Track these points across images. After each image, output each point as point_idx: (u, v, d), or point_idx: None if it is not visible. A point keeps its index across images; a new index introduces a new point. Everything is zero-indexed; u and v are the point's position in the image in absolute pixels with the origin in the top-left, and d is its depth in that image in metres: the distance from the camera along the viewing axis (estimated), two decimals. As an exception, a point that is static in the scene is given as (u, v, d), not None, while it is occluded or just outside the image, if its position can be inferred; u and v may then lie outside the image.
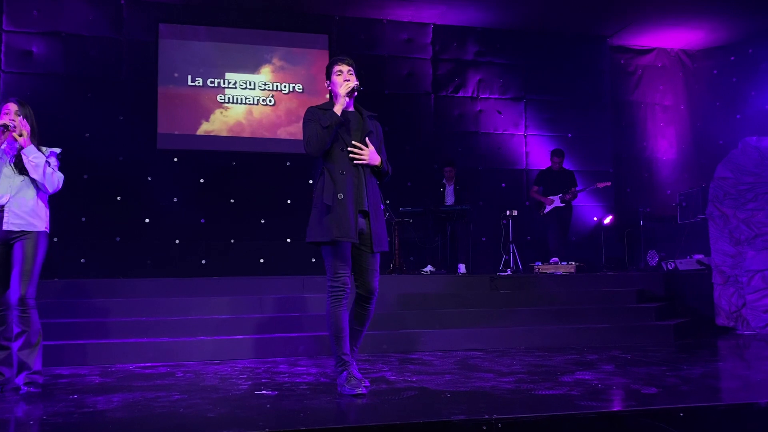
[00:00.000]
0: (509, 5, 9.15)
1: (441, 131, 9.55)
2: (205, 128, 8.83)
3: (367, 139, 3.54)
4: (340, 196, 3.40)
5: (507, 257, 8.39)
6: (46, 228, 3.73)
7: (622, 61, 10.61)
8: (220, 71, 8.95)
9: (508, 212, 8.36)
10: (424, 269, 8.29)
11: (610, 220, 9.48)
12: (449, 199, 8.41)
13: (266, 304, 5.60)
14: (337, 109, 3.45)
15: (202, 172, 8.75)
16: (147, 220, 8.45)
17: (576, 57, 10.08)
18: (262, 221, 8.90)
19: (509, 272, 7.98)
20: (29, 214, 3.65)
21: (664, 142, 10.74)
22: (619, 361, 4.47)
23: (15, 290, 3.58)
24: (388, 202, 9.10)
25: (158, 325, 5.21)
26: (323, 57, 9.29)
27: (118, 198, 8.38)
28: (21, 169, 3.65)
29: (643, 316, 6.04)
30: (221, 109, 8.90)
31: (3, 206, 3.61)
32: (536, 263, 7.72)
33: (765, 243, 6.48)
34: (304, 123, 3.54)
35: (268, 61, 9.13)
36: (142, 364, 4.71)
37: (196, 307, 5.51)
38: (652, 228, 8.81)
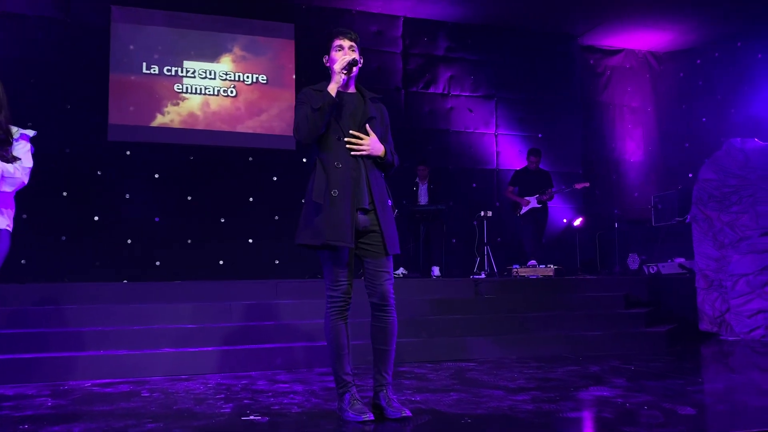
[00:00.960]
0: (480, 0, 8.87)
1: (411, 128, 9.18)
2: (160, 120, 8.20)
3: (368, 126, 3.06)
4: (334, 192, 2.91)
5: (479, 259, 8.10)
6: (8, 227, 3.13)
7: (592, 62, 10.48)
8: (178, 59, 8.34)
9: (482, 213, 8.06)
10: (396, 272, 7.89)
11: (581, 222, 9.31)
12: (423, 199, 8.04)
13: (236, 311, 5.09)
14: (332, 88, 2.96)
15: (157, 167, 8.12)
16: (96, 218, 7.77)
17: (547, 55, 9.88)
18: (222, 220, 8.33)
19: (483, 275, 7.69)
20: None
21: (632, 144, 10.67)
22: (627, 374, 4.18)
23: None
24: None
25: (115, 336, 4.63)
26: (289, 47, 8.81)
27: (65, 193, 7.68)
28: None
29: (633, 323, 5.81)
30: (179, 100, 8.29)
31: None
32: (514, 266, 7.44)
33: (749, 246, 6.35)
34: (296, 105, 3.07)
35: (228, 50, 8.57)
36: (99, 381, 4.14)
37: (157, 315, 4.95)
38: (626, 230, 8.66)
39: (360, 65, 3.08)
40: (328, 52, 3.13)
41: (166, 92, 8.24)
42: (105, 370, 4.28)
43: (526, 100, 9.75)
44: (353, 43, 3.09)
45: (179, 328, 4.79)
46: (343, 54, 3.04)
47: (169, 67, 8.28)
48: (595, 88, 10.47)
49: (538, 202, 7.76)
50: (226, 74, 8.51)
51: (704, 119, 10.29)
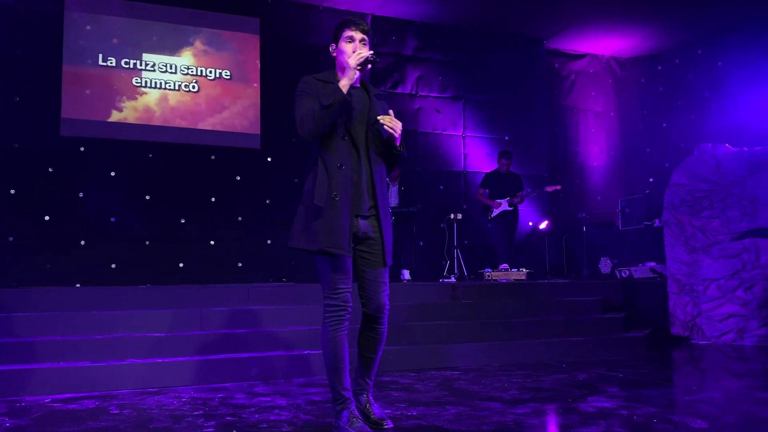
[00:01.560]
0: (449, 0, 8.76)
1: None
2: (117, 115, 7.77)
3: (391, 111, 2.87)
4: (336, 196, 2.72)
5: (449, 262, 7.97)
6: None
7: (557, 65, 10.50)
8: (137, 51, 7.92)
9: (452, 216, 7.93)
10: (365, 275, 7.68)
11: (547, 225, 9.29)
12: (393, 201, 7.86)
13: (207, 318, 4.79)
14: (344, 85, 2.75)
15: (113, 165, 7.68)
16: (47, 218, 7.29)
17: (514, 58, 9.84)
18: (182, 221, 7.95)
19: (453, 279, 7.56)
20: None
21: (595, 148, 10.74)
22: (617, 382, 4.08)
23: None
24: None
25: (74, 346, 4.28)
26: (254, 42, 8.49)
27: (12, 192, 7.18)
28: None
29: (611, 328, 5.76)
30: (137, 94, 7.88)
31: None
32: (486, 269, 7.32)
33: (721, 251, 6.40)
34: (296, 95, 2.85)
35: (190, 44, 8.20)
36: (60, 396, 3.80)
37: (120, 323, 4.61)
38: (593, 234, 8.67)
39: (377, 61, 2.85)
40: (336, 41, 2.93)
41: (123, 86, 7.81)
42: (65, 383, 3.93)
43: (493, 102, 9.69)
44: (365, 36, 2.89)
45: (145, 336, 4.47)
46: (354, 47, 2.86)
47: (127, 60, 7.85)
48: (560, 92, 10.50)
49: (509, 205, 7.68)
50: (188, 68, 8.14)
51: (665, 125, 10.44)
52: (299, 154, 8.52)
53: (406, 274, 7.60)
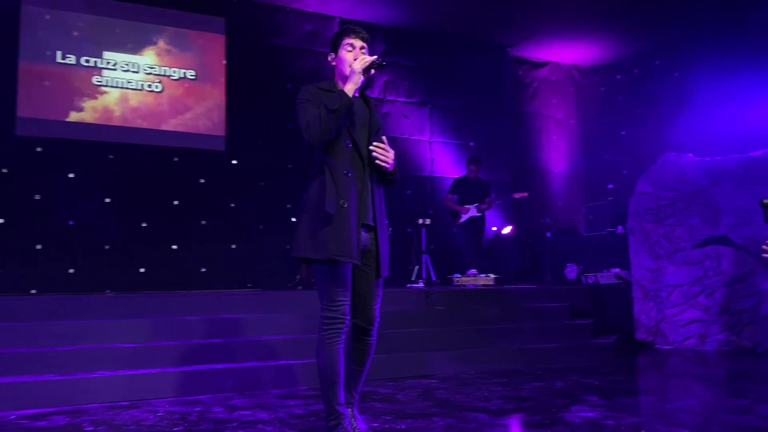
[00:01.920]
0: (417, 5, 8.76)
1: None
2: (77, 114, 7.50)
3: (384, 138, 2.86)
4: (344, 203, 2.67)
5: (415, 267, 7.95)
6: None
7: (520, 72, 10.64)
8: (97, 49, 7.66)
9: (420, 221, 7.93)
10: (334, 281, 7.60)
11: (510, 230, 9.39)
12: (361, 206, 7.79)
13: (179, 327, 4.64)
14: (349, 89, 2.74)
15: (72, 166, 7.40)
16: (1, 221, 6.98)
17: (479, 64, 9.92)
18: (144, 225, 7.72)
19: (421, 284, 7.56)
20: None
21: (556, 155, 10.91)
22: (595, 390, 4.13)
23: None
24: (289, 206, 8.34)
25: (38, 358, 4.08)
26: (219, 42, 8.31)
27: (-37, 193, 6.85)
28: None
29: (581, 334, 5.84)
30: (98, 93, 7.61)
31: None
32: (455, 275, 7.34)
33: (684, 258, 6.57)
34: (298, 103, 2.79)
35: (153, 42, 7.97)
36: (27, 412, 3.61)
37: (88, 334, 4.42)
38: (556, 240, 8.80)
39: (384, 65, 2.84)
40: (335, 50, 2.90)
41: (83, 84, 7.54)
42: (33, 398, 3.75)
43: (459, 107, 9.74)
44: (365, 44, 2.89)
45: (114, 348, 4.29)
46: (354, 55, 2.85)
47: (88, 58, 7.58)
48: (524, 99, 10.63)
49: (478, 211, 7.72)
50: (151, 68, 7.92)
51: (623, 133, 10.68)
52: (265, 157, 8.40)
53: (375, 280, 7.56)
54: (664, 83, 10.12)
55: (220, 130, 8.23)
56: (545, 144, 10.79)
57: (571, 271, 7.64)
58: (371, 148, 2.80)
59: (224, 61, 8.30)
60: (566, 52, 10.62)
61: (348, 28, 2.90)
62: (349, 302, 2.75)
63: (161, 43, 8.02)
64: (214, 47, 8.29)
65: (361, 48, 2.87)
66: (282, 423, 3.33)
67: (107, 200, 7.56)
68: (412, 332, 5.21)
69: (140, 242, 7.67)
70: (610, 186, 10.45)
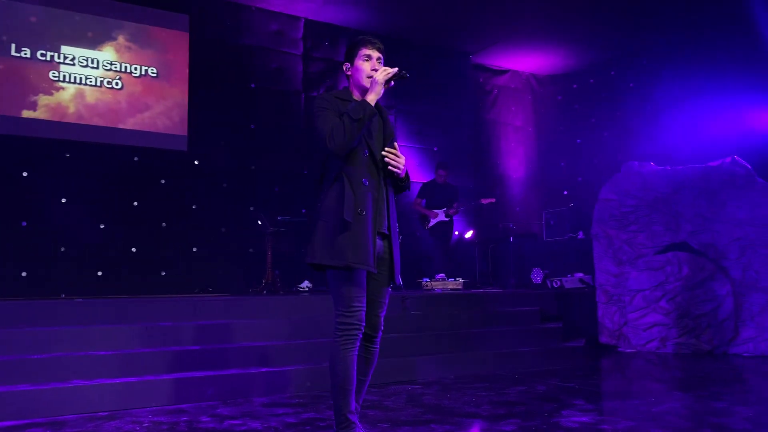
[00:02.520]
0: (382, 9, 8.76)
1: (312, 134, 8.82)
2: (31, 110, 7.16)
3: (396, 144, 2.90)
4: (361, 212, 2.68)
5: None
6: None
7: (481, 80, 10.78)
8: (55, 43, 7.34)
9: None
10: (301, 285, 7.51)
11: (472, 234, 9.48)
12: (328, 209, 7.72)
13: (154, 334, 4.48)
14: (372, 99, 2.77)
15: (26, 165, 7.08)
16: (-51, 221, 6.61)
17: (443, 70, 10.00)
18: (102, 227, 7.44)
19: (390, 289, 7.52)
20: None
21: (515, 161, 11.10)
22: (578, 394, 4.20)
23: None
24: (252, 208, 8.19)
25: (11, 367, 3.87)
26: (182, 40, 8.10)
27: None
28: None
29: (552, 338, 5.94)
30: (54, 89, 7.30)
31: None
32: (424, 279, 7.36)
33: (646, 264, 6.77)
34: (317, 111, 2.76)
35: (113, 38, 7.70)
36: (1, 424, 3.41)
37: (58, 341, 4.21)
38: (518, 245, 8.94)
39: (407, 77, 2.89)
40: (350, 60, 2.91)
41: (39, 79, 7.21)
42: (6, 409, 3.53)
43: (423, 113, 9.78)
44: (381, 55, 2.92)
45: (87, 356, 4.11)
46: (371, 64, 2.88)
47: (44, 51, 7.26)
48: (484, 106, 10.78)
49: (446, 216, 7.77)
50: (111, 64, 7.64)
51: (579, 141, 10.96)
52: (228, 158, 8.23)
53: (342, 284, 7.50)
54: (620, 93, 10.42)
55: (182, 130, 8.02)
56: (505, 150, 10.96)
57: (537, 275, 7.77)
58: (383, 153, 2.80)
59: (187, 59, 8.09)
60: (525, 61, 10.82)
61: (364, 38, 2.91)
62: (364, 309, 2.73)
63: (121, 39, 7.76)
64: (177, 44, 8.07)
65: (378, 58, 2.90)
66: (297, 426, 3.25)
67: (63, 200, 7.26)
68: (391, 337, 5.18)
69: (97, 245, 7.39)
70: (565, 192, 10.71)
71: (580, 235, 8.02)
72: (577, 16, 8.92)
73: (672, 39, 9.28)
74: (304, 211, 8.25)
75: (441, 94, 9.93)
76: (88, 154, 7.42)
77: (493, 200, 8.05)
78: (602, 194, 7.12)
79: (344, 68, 2.94)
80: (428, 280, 7.33)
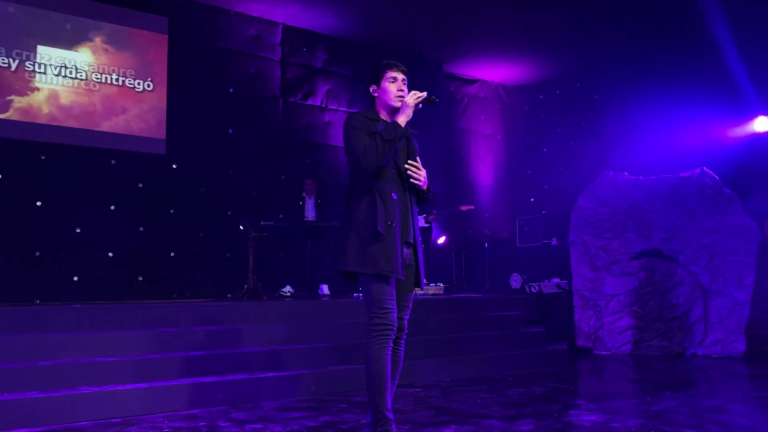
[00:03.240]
0: (359, 16, 8.86)
1: (290, 140, 8.85)
2: (5, 111, 6.97)
3: (418, 159, 3.09)
4: (391, 224, 2.88)
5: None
6: None
7: (452, 88, 10.99)
8: (29, 42, 7.17)
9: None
10: (283, 290, 7.53)
11: (444, 240, 9.66)
12: (310, 214, 7.78)
13: (156, 340, 4.44)
14: (402, 121, 2.96)
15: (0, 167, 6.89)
16: None
17: (416, 78, 10.01)
18: (78, 230, 7.29)
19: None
20: None
21: (484, 169, 11.35)
22: (577, 395, 4.39)
23: None
24: (229, 213, 8.15)
25: (20, 374, 3.79)
26: (161, 42, 8.01)
27: None
28: None
29: (536, 342, 6.14)
30: (29, 90, 7.12)
31: None
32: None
33: (621, 269, 7.06)
34: (351, 131, 2.94)
35: (90, 39, 7.56)
36: (14, 434, 3.35)
37: (61, 347, 4.14)
38: (492, 251, 9.16)
39: (436, 101, 3.05)
40: (376, 82, 3.07)
41: (12, 80, 7.02)
42: (11, 418, 3.47)
43: (397, 119, 9.90)
44: (405, 76, 3.07)
45: (94, 362, 4.05)
46: (397, 86, 3.03)
47: (19, 51, 7.08)
48: (455, 114, 10.99)
49: (426, 222, 7.91)
50: (88, 66, 7.50)
51: (545, 149, 11.29)
52: (206, 162, 8.17)
53: (325, 289, 7.59)
54: (585, 105, 10.79)
55: (161, 133, 7.93)
56: (474, 158, 11.19)
57: (515, 280, 7.98)
58: (405, 166, 2.99)
59: (166, 62, 8.01)
60: (494, 71, 11.10)
61: (389, 62, 3.07)
62: (396, 311, 2.88)
63: (99, 40, 7.63)
64: (156, 47, 7.98)
65: (403, 80, 3.05)
66: (317, 430, 3.30)
67: (38, 203, 7.09)
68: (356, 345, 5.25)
69: (73, 249, 7.25)
70: (532, 200, 11.03)
71: (554, 241, 8.28)
72: (545, 31, 9.23)
73: (636, 54, 9.67)
74: (281, 216, 8.24)
75: (415, 101, 10.06)
76: (64, 157, 7.27)
77: (472, 207, 8.23)
78: (579, 202, 7.38)
79: (370, 90, 3.10)
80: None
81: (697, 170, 6.98)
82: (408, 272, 3.01)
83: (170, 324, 4.69)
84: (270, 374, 4.42)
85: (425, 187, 3.09)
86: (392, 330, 2.86)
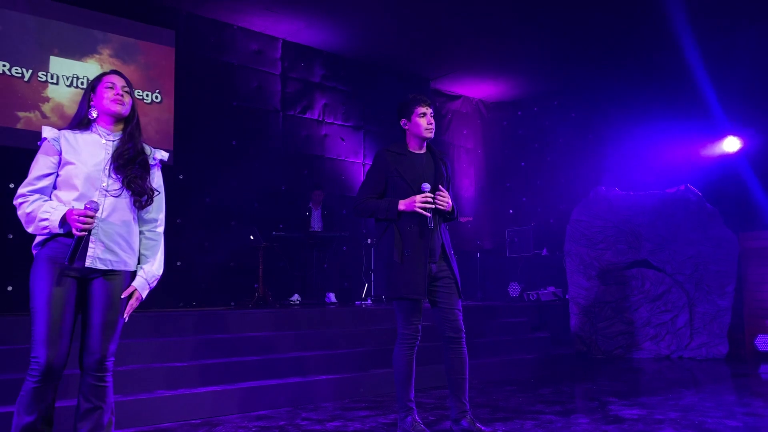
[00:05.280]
0: (355, 35, 9.17)
1: (289, 151, 9.08)
2: (19, 122, 6.98)
3: (441, 187, 3.48)
4: (408, 253, 3.33)
5: (368, 285, 8.30)
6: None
7: (437, 104, 11.41)
8: (36, 53, 7.19)
9: (369, 240, 8.32)
10: (292, 298, 7.74)
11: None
12: (316, 224, 8.03)
13: (208, 345, 4.64)
14: (401, 209, 3.35)
15: (11, 176, 6.87)
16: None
17: (406, 93, 10.47)
18: (10, 236, 7.30)
19: (370, 301, 7.94)
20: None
21: (467, 181, 11.81)
22: (604, 393, 4.79)
23: (93, 348, 2.46)
24: (233, 223, 8.32)
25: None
26: (169, 55, 8.14)
27: None
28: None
29: (545, 346, 6.56)
30: (42, 101, 7.15)
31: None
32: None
33: (613, 278, 7.58)
34: (369, 171, 3.58)
35: (97, 51, 7.63)
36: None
37: (137, 352, 4.30)
38: (483, 260, 9.59)
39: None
40: (407, 116, 3.51)
41: (26, 90, 7.04)
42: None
43: (388, 133, 10.25)
44: (432, 110, 3.52)
45: (160, 367, 4.23)
46: (427, 120, 3.48)
47: (32, 61, 7.10)
48: (440, 129, 11.41)
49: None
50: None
51: (523, 163, 11.84)
52: (211, 173, 8.31)
53: (332, 297, 7.82)
54: (561, 121, 11.38)
55: (168, 144, 8.03)
56: (457, 171, 11.63)
57: (513, 289, 8.42)
58: (430, 197, 3.36)
59: (173, 74, 8.14)
60: (476, 88, 11.59)
61: (418, 98, 3.52)
62: (420, 323, 3.42)
63: (106, 52, 7.71)
64: (164, 59, 8.10)
65: (431, 114, 3.51)
66: (395, 426, 3.59)
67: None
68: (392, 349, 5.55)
69: None
70: (510, 211, 11.55)
71: (545, 251, 8.77)
72: (524, 52, 9.75)
73: (611, 75, 10.29)
74: (281, 226, 8.44)
75: (405, 116, 10.44)
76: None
77: (470, 218, 8.62)
78: (574, 215, 7.89)
79: (401, 123, 3.55)
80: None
81: (682, 187, 7.58)
82: (446, 282, 3.46)
83: (221, 331, 4.89)
84: (322, 377, 4.68)
85: (449, 209, 3.47)
86: (416, 338, 3.42)
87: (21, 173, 6.76)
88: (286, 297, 7.80)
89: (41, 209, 2.44)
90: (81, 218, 2.36)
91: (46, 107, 7.16)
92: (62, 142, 2.55)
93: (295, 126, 9.24)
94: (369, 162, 10.02)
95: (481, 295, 9.23)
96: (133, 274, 2.60)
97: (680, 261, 7.35)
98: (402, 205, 3.31)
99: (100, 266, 2.48)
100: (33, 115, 7.08)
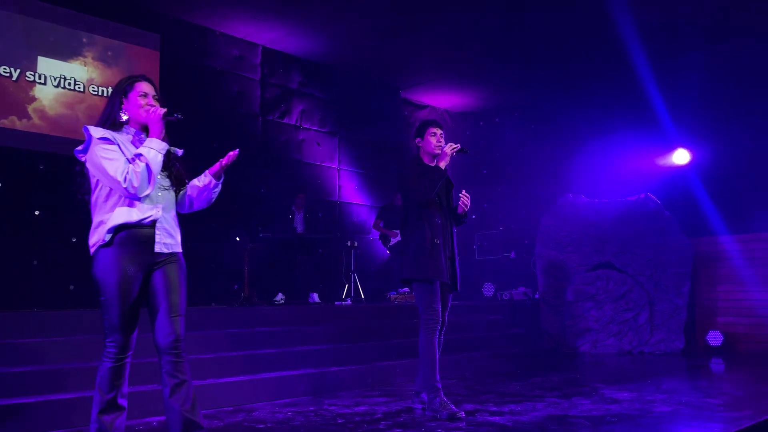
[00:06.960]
0: (331, 44, 9.44)
1: (268, 156, 9.29)
2: (5, 120, 6.97)
3: (464, 191, 4.14)
4: (437, 241, 3.80)
5: (348, 285, 8.58)
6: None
7: (406, 113, 11.83)
8: (19, 53, 7.19)
9: (349, 243, 8.62)
10: (276, 298, 7.95)
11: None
12: (299, 227, 8.27)
13: (230, 339, 4.87)
14: (443, 165, 3.97)
15: None
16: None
17: (378, 101, 10.90)
18: (74, 240, 7.34)
19: (349, 301, 8.25)
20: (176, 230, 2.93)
21: (432, 188, 12.24)
22: (591, 380, 5.27)
23: (168, 330, 2.70)
24: (214, 225, 8.46)
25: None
26: (154, 59, 8.24)
27: None
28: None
29: (523, 342, 7.07)
30: (29, 100, 7.15)
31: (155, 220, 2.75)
32: (391, 293, 8.14)
33: (580, 279, 8.14)
34: (407, 174, 3.97)
35: (86, 52, 7.68)
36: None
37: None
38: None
39: (468, 152, 4.13)
40: (421, 136, 4.13)
41: (14, 89, 7.03)
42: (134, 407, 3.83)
43: (361, 139, 10.60)
44: (443, 131, 4.14)
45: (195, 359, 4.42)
46: (437, 139, 4.09)
47: (20, 61, 7.10)
48: (410, 136, 11.82)
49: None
50: (87, 78, 7.61)
51: (485, 171, 12.38)
52: (194, 175, 8.41)
53: (315, 297, 8.08)
54: (521, 132, 11.97)
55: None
56: (423, 177, 12.06)
57: (487, 289, 8.88)
58: (461, 195, 4.04)
59: (158, 78, 8.23)
60: (442, 99, 12.07)
61: (432, 121, 4.21)
62: (440, 308, 3.86)
63: (95, 53, 7.76)
64: (149, 63, 8.19)
65: (441, 134, 4.12)
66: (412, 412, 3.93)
67: (36, 213, 7.11)
68: (392, 344, 5.87)
69: (69, 257, 7.29)
70: (473, 216, 12.06)
71: (513, 254, 9.29)
72: (487, 65, 10.26)
73: (569, 90, 10.93)
74: (260, 228, 8.64)
75: (377, 122, 10.81)
76: (59, 166, 7.32)
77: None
78: (543, 220, 8.43)
79: (416, 141, 4.15)
80: (395, 293, 8.13)
81: (642, 195, 8.23)
82: (450, 277, 3.95)
83: (238, 326, 5.12)
84: (334, 368, 4.97)
85: (462, 212, 4.05)
86: (438, 323, 3.85)
87: (4, 172, 6.73)
88: (270, 297, 8.00)
89: (139, 160, 2.76)
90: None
91: (34, 107, 7.16)
92: (116, 139, 2.78)
93: (274, 131, 9.46)
94: (344, 167, 10.33)
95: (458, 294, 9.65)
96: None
97: (641, 263, 7.97)
98: (441, 161, 3.91)
99: (165, 250, 2.83)
100: (16, 117, 7.07)
